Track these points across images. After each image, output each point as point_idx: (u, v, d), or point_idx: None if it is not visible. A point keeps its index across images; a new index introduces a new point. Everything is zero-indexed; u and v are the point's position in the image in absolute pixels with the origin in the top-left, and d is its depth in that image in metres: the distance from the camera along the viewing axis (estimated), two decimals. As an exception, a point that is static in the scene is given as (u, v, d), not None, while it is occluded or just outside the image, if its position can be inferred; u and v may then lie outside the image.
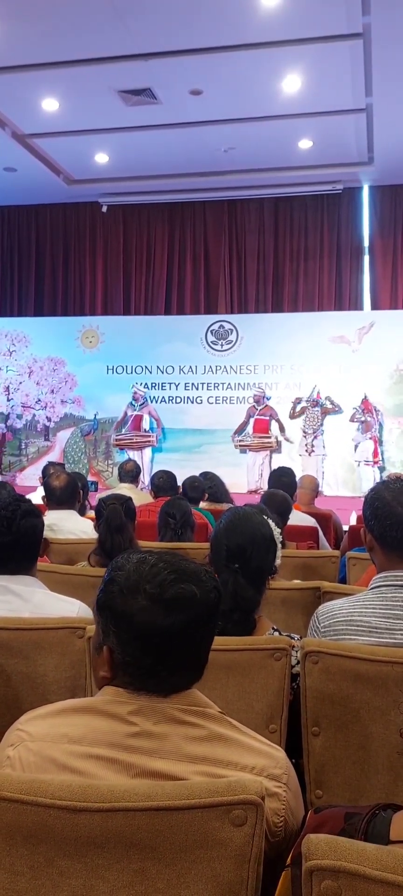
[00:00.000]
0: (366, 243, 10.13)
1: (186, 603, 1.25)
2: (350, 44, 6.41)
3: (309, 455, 9.47)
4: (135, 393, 10.12)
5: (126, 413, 10.17)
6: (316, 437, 9.51)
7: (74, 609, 2.29)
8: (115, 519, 3.09)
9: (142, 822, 1.05)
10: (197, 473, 5.72)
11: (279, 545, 2.16)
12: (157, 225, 10.65)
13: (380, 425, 9.41)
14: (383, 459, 9.36)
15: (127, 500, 3.30)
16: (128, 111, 7.73)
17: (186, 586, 1.26)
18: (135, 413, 10.11)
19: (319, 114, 7.77)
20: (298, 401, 9.63)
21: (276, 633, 2.01)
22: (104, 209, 10.39)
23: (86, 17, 6.06)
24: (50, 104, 7.65)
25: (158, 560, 1.30)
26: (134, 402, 10.13)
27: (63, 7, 5.93)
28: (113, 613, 1.29)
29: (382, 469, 9.24)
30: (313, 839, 0.95)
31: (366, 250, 10.15)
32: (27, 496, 2.65)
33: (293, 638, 2.00)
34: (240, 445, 9.84)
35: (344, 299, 10.13)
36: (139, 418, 10.10)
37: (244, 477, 9.57)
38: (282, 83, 7.13)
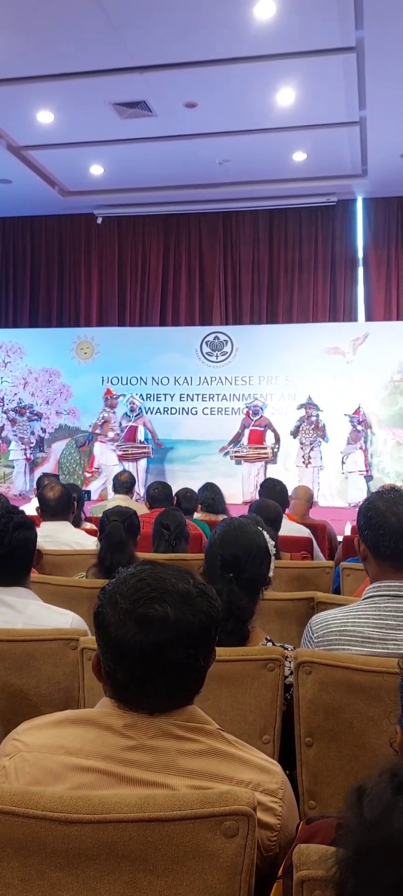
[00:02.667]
0: (360, 255, 10.18)
1: (156, 624, 1.21)
2: (343, 57, 6.45)
3: (306, 466, 9.47)
4: (132, 403, 10.12)
5: (121, 424, 10.17)
6: (312, 449, 9.51)
7: (68, 620, 2.28)
8: (116, 537, 3.06)
9: (133, 833, 1.05)
10: (191, 484, 5.73)
11: (273, 556, 2.16)
12: (152, 237, 10.67)
13: (369, 434, 9.41)
14: (371, 469, 9.37)
15: (130, 516, 3.27)
16: (123, 123, 7.75)
17: (160, 606, 1.22)
18: (131, 424, 10.11)
19: (313, 126, 7.80)
20: (301, 420, 9.60)
21: (270, 644, 2.01)
22: (99, 221, 10.41)
23: (81, 29, 6.08)
24: (45, 116, 7.67)
25: (149, 575, 1.27)
26: (129, 413, 10.13)
27: (58, 20, 5.95)
28: (97, 622, 1.29)
29: (369, 479, 9.25)
30: (304, 850, 0.95)
31: (360, 262, 10.19)
32: (21, 507, 2.65)
33: (286, 648, 2.00)
34: (235, 456, 9.84)
35: (339, 311, 10.17)
36: (134, 429, 10.09)
37: (239, 488, 9.56)
38: (277, 96, 7.16)
